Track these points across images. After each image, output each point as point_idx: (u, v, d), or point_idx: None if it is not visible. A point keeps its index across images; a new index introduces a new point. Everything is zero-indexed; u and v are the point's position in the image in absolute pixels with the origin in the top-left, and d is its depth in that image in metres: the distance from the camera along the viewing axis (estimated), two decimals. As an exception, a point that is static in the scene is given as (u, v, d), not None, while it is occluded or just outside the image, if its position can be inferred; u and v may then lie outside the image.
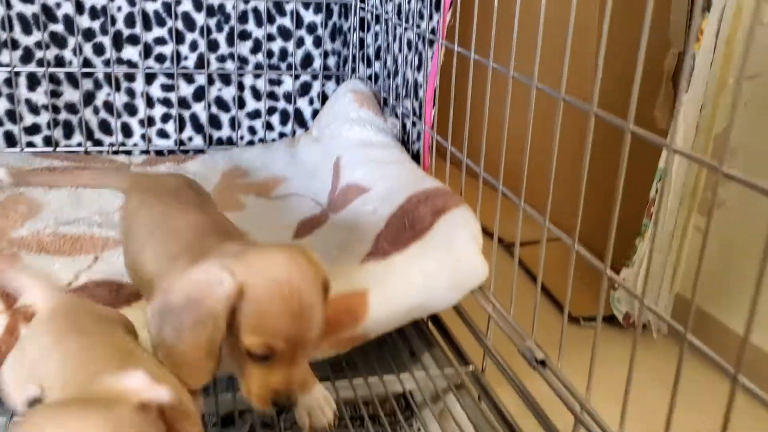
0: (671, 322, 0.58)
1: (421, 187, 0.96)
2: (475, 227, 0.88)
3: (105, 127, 1.34)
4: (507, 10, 0.82)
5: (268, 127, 1.43)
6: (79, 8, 1.26)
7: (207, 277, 0.63)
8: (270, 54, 1.38)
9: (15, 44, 1.25)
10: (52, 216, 1.04)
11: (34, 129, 1.30)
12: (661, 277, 1.28)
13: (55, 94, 1.29)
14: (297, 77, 1.41)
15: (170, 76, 1.34)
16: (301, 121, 1.44)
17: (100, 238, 0.99)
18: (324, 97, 1.43)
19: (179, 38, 1.32)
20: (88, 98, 1.31)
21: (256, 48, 1.37)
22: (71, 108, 1.31)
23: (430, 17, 1.05)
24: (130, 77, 1.32)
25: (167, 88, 1.34)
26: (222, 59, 1.36)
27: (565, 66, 0.71)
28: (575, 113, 0.72)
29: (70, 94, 1.30)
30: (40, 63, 1.27)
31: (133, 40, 1.30)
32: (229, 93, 1.38)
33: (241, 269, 0.62)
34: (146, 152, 1.35)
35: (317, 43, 1.40)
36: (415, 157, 1.13)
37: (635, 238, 1.26)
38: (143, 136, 1.36)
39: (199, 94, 1.37)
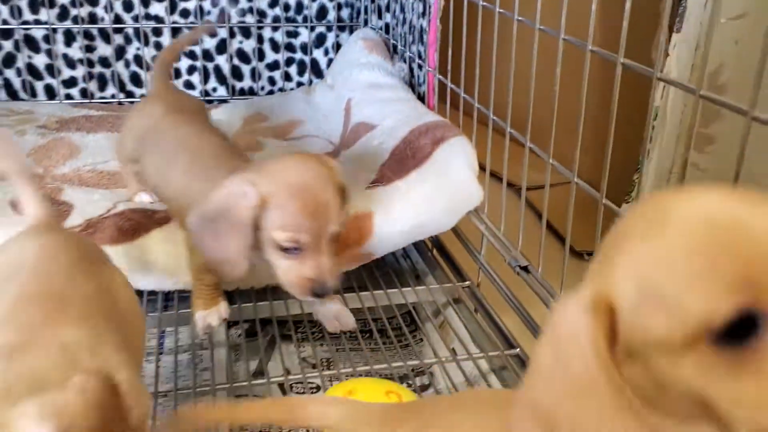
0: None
1: (422, 121, 1.05)
2: (471, 155, 0.97)
3: (135, 79, 1.44)
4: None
5: (287, 77, 1.52)
6: (109, -33, 1.36)
7: (233, 191, 0.74)
8: (287, 7, 1.47)
9: (52, 3, 1.36)
10: (90, 156, 1.15)
11: (71, 82, 1.41)
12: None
13: (89, 49, 1.40)
14: (312, 29, 1.50)
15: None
16: (317, 71, 1.53)
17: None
18: (338, 48, 1.51)
19: (202, -7, 1.42)
20: (120, 52, 1.42)
21: (274, 2, 1.46)
22: (104, 62, 1.42)
23: (432, -35, 1.13)
24: (157, 32, 1.42)
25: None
26: (242, 13, 1.45)
27: (564, 7, 0.77)
28: (575, 56, 0.78)
29: (103, 49, 1.41)
30: (75, 20, 1.37)
31: (159, -4, 1.40)
32: (249, 45, 1.47)
33: (262, 180, 0.73)
34: (174, 102, 1.45)
35: (332, -5, 1.49)
36: (420, 99, 1.21)
37: (633, 176, 1.33)
38: (171, 87, 1.46)
39: (222, 47, 1.46)
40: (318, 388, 0.87)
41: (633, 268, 0.26)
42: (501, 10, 0.92)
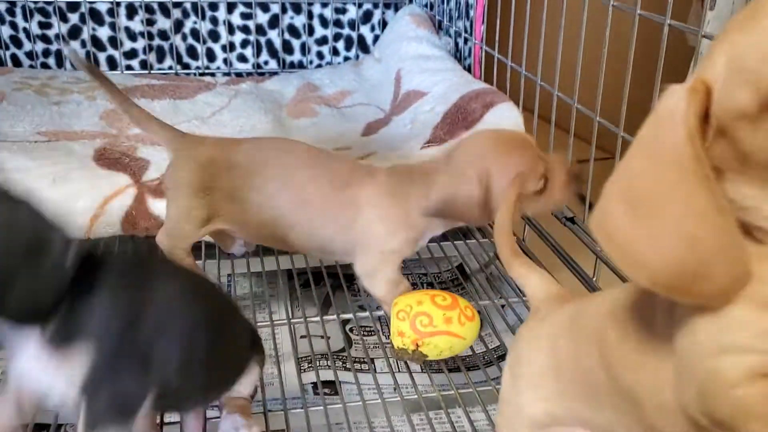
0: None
1: (471, 88, 1.12)
2: (518, 118, 1.04)
3: (192, 52, 1.52)
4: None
5: (335, 52, 1.59)
6: (170, -56, 1.44)
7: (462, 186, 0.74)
8: (336, -14, 1.54)
9: (116, -22, 1.44)
10: (157, 120, 1.22)
11: (131, 54, 1.50)
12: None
13: (149, 22, 1.48)
14: (360, 6, 1.57)
15: (248, 5, 1.51)
16: (363, 46, 1.60)
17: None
18: (384, 24, 1.58)
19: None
20: (178, 26, 1.50)
21: (323, -20, 1.53)
22: (163, 35, 1.50)
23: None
24: (213, 6, 1.50)
25: (246, 16, 1.52)
26: (293, -10, 1.53)
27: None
28: (619, 25, 0.84)
29: (162, 23, 1.49)
30: (137, -6, 1.46)
31: (217, -28, 1.48)
32: (300, 21, 1.54)
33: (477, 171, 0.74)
34: (227, 74, 1.54)
35: (378, -26, 1.56)
36: (468, 71, 1.28)
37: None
38: (225, 60, 1.54)
39: (274, 22, 1.54)
40: (373, 331, 0.95)
41: (728, 52, 0.32)
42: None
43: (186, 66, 1.53)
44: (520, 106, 1.07)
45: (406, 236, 0.79)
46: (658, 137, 0.34)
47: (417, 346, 0.74)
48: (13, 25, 1.45)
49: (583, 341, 0.47)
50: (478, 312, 0.79)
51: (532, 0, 1.03)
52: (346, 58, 1.60)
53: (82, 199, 0.96)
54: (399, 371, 0.87)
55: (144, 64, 1.51)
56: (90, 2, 1.45)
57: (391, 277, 0.81)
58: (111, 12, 1.46)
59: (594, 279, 0.87)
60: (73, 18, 1.45)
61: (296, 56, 1.57)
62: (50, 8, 1.44)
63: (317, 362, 0.88)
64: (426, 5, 1.51)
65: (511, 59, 1.10)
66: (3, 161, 0.99)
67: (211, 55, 1.53)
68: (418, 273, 1.05)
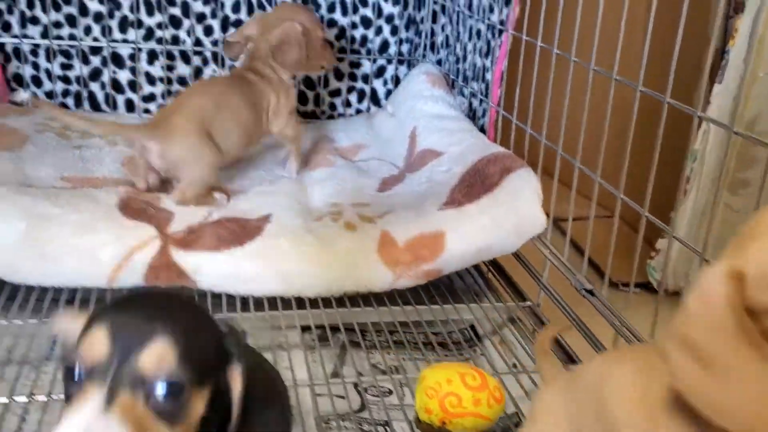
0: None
1: (489, 151, 1.15)
2: (537, 185, 1.06)
3: (209, 98, 1.55)
4: (570, 4, 1.00)
5: (347, 104, 1.62)
6: (195, -5, 1.48)
7: None
8: (352, 40, 1.58)
9: (140, 24, 1.47)
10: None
11: (150, 98, 1.52)
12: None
13: (169, 68, 1.51)
14: (374, 61, 1.60)
15: (267, 56, 1.54)
16: (375, 99, 1.63)
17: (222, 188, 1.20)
18: (396, 80, 1.62)
19: (277, 23, 1.52)
20: (197, 73, 1.52)
21: (341, 34, 1.57)
22: (182, 80, 1.52)
23: (500, 11, 1.23)
24: (233, 56, 1.53)
25: (264, 66, 1.55)
26: (311, 43, 1.56)
27: (617, 53, 0.88)
28: (623, 95, 0.89)
29: (182, 69, 1.51)
30: (159, 41, 1.48)
31: (238, 23, 1.51)
32: (314, 73, 1.58)
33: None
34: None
35: (394, 31, 1.60)
36: (481, 131, 1.31)
37: (671, 213, 1.42)
38: (241, 108, 1.56)
39: (290, 73, 1.57)
40: (390, 391, 0.96)
41: (758, 254, 0.39)
42: (558, 51, 1.03)
43: (202, 112, 1.55)
44: (538, 172, 1.09)
45: None
46: (708, 314, 0.41)
47: (443, 423, 0.76)
48: (35, 66, 1.47)
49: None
50: (499, 382, 0.81)
51: (540, 68, 1.06)
52: (358, 111, 1.63)
53: (107, 249, 0.98)
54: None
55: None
56: (112, 47, 1.47)
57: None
58: (132, 57, 1.48)
59: (611, 351, 0.89)
60: (95, 61, 1.48)
61: (309, 106, 1.60)
62: (73, 51, 1.46)
63: (338, 422, 0.89)
64: (437, 62, 1.55)
65: (527, 124, 1.14)
66: (30, 206, 1.00)
67: (227, 102, 1.56)
68: (432, 331, 1.07)
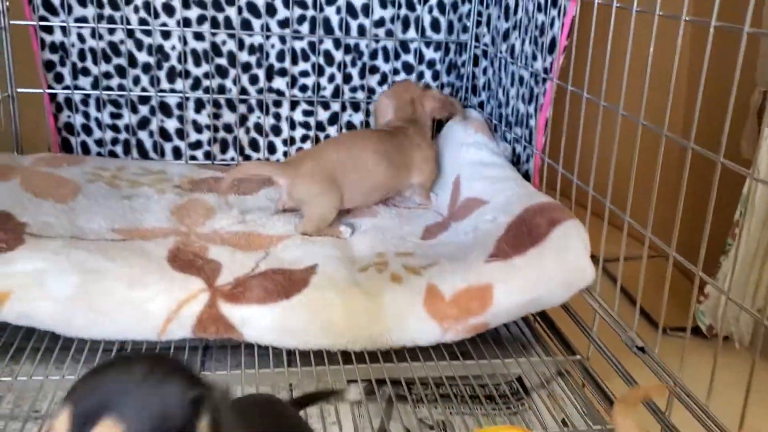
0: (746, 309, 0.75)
1: (536, 201, 1.14)
2: (585, 237, 1.05)
3: (254, 144, 1.57)
4: (617, 51, 1.00)
5: (390, 148, 1.63)
6: (241, 46, 1.50)
7: None
8: (395, 85, 1.59)
9: (187, 74, 1.50)
10: (224, 218, 1.26)
11: (196, 145, 1.55)
12: (743, 294, 1.41)
13: (216, 116, 1.54)
14: (417, 106, 1.61)
15: (311, 103, 1.56)
16: (418, 143, 1.64)
17: (266, 236, 1.21)
18: (439, 124, 1.62)
19: (320, 72, 1.55)
20: (242, 120, 1.55)
21: (383, 80, 1.58)
22: (228, 128, 1.55)
23: (544, 59, 1.23)
24: (277, 103, 1.55)
25: (307, 113, 1.57)
26: (354, 90, 1.58)
27: (668, 108, 0.88)
28: (670, 143, 0.89)
29: (228, 117, 1.54)
30: (206, 90, 1.51)
31: (282, 72, 1.53)
32: (358, 118, 1.59)
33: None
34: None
35: (435, 76, 1.61)
36: (524, 177, 1.31)
37: (720, 257, 1.40)
38: (285, 153, 1.58)
39: (333, 119, 1.59)
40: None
41: None
42: (605, 104, 1.03)
43: (247, 157, 1.58)
44: (586, 223, 1.08)
45: None
46: None
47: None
48: (86, 115, 1.50)
49: None
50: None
51: (575, 115, 1.06)
52: (402, 155, 1.64)
53: (156, 303, 0.99)
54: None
55: (207, 155, 1.56)
56: (161, 96, 1.50)
57: None
58: (180, 105, 1.51)
59: (666, 413, 0.87)
60: (144, 110, 1.51)
61: (353, 151, 1.62)
62: (122, 100, 1.50)
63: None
64: (479, 105, 1.55)
65: (573, 172, 1.13)
66: (83, 261, 1.02)
67: (272, 148, 1.58)
68: (479, 384, 1.06)
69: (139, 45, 1.47)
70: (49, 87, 1.47)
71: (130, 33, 1.46)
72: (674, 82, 0.87)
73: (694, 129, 0.83)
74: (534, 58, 1.27)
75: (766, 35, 0.72)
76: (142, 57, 1.48)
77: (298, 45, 1.52)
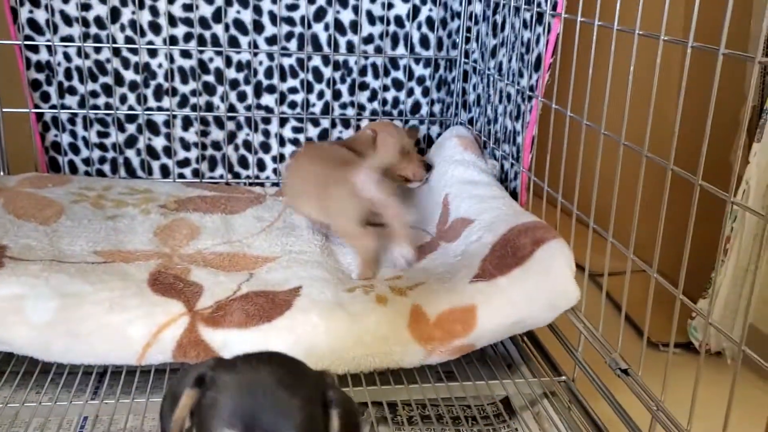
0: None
1: (521, 221, 1.13)
2: (570, 257, 1.04)
3: (243, 162, 1.56)
4: (600, 69, 0.99)
5: (380, 164, 1.62)
6: (228, 63, 1.50)
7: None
8: (384, 102, 1.59)
9: (174, 92, 1.50)
10: (209, 238, 1.25)
11: (184, 162, 1.54)
12: (736, 308, 1.40)
13: (204, 133, 1.53)
14: (406, 122, 1.61)
15: (300, 120, 1.56)
16: (408, 160, 1.63)
17: (251, 257, 1.20)
18: (429, 140, 1.62)
19: (309, 88, 1.54)
20: (231, 137, 1.54)
21: (373, 97, 1.58)
22: (216, 145, 1.54)
23: (530, 76, 1.23)
24: (266, 120, 1.55)
25: (297, 130, 1.56)
26: (344, 106, 1.57)
27: (648, 127, 0.87)
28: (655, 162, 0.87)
29: (216, 134, 1.53)
30: (194, 108, 1.51)
31: (271, 89, 1.53)
32: (348, 134, 1.58)
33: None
34: (276, 184, 1.57)
35: (425, 92, 1.60)
36: (512, 195, 1.30)
37: (711, 272, 1.38)
38: (275, 170, 1.58)
39: (323, 135, 1.58)
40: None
41: None
42: (588, 123, 1.02)
43: (237, 175, 1.57)
44: (571, 243, 1.07)
45: None
46: None
47: None
48: (73, 134, 1.50)
49: None
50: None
51: (575, 133, 1.05)
52: (392, 172, 1.63)
53: (136, 327, 0.98)
54: None
55: (196, 173, 1.55)
56: (148, 114, 1.50)
57: None
58: (167, 123, 1.51)
59: (649, 438, 0.86)
60: (131, 128, 1.51)
61: (343, 168, 1.61)
62: (109, 119, 1.49)
63: None
64: (469, 121, 1.55)
65: (558, 189, 1.12)
66: (63, 285, 1.01)
67: (261, 165, 1.57)
68: (461, 405, 1.04)
69: (126, 63, 1.47)
70: (36, 106, 1.47)
71: (117, 51, 1.46)
72: (660, 100, 0.86)
73: (673, 151, 0.82)
74: (521, 75, 1.27)
75: (741, 57, 0.71)
76: (129, 75, 1.47)
77: (287, 62, 1.52)
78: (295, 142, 1.57)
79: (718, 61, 0.72)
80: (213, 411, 0.56)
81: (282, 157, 1.57)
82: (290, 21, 1.50)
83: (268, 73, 1.52)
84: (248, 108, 1.53)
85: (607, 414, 0.96)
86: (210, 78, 1.50)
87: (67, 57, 1.45)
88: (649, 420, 0.86)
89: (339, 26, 1.52)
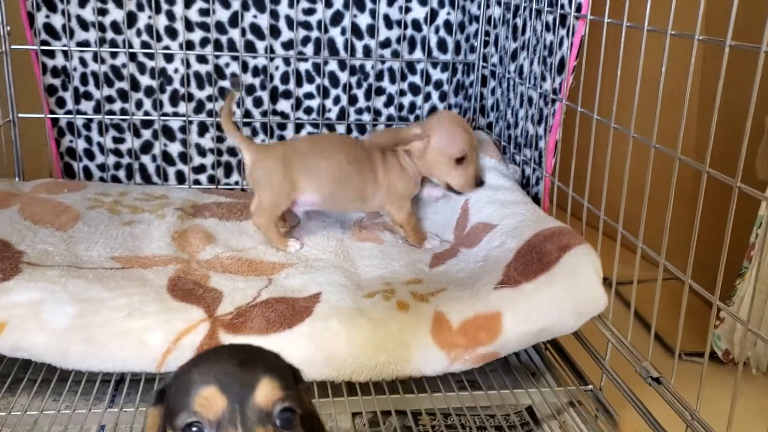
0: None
1: (545, 226, 1.10)
2: (597, 263, 1.02)
3: (258, 168, 1.55)
4: (628, 71, 0.97)
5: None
6: (245, 68, 1.48)
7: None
8: (401, 107, 1.57)
9: (190, 97, 1.48)
10: (225, 243, 1.23)
11: (200, 168, 1.53)
12: (761, 317, 1.37)
13: (219, 139, 1.51)
14: (423, 127, 1.59)
15: (316, 125, 1.54)
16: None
17: (268, 263, 1.18)
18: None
19: (325, 93, 1.53)
20: (246, 143, 1.53)
21: (389, 102, 1.56)
22: (231, 151, 1.53)
23: (553, 79, 1.21)
24: (282, 126, 1.53)
25: (312, 135, 1.55)
26: (359, 111, 1.56)
27: (681, 130, 0.85)
28: (684, 166, 0.85)
29: (232, 140, 1.52)
30: (210, 113, 1.49)
31: (287, 94, 1.51)
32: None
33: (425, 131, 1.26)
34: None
35: (443, 97, 1.58)
36: (534, 200, 1.28)
37: (736, 280, 1.36)
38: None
39: (339, 142, 1.56)
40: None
41: None
42: (616, 126, 1.00)
43: (251, 181, 1.55)
44: (598, 248, 1.05)
45: None
46: None
47: None
48: (88, 139, 1.49)
49: None
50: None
51: (601, 136, 1.03)
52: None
53: (156, 333, 0.96)
54: None
55: (211, 179, 1.53)
56: (164, 120, 1.49)
57: None
58: (183, 129, 1.50)
59: (684, 448, 0.83)
60: (146, 134, 1.49)
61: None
62: (125, 124, 1.48)
63: None
64: (487, 126, 1.53)
65: (584, 195, 1.10)
66: (81, 290, 0.99)
67: (276, 171, 1.55)
68: (486, 414, 1.02)
69: (142, 68, 1.46)
70: (51, 112, 1.46)
71: (133, 56, 1.45)
72: (687, 102, 0.84)
73: (709, 152, 0.80)
74: (543, 78, 1.25)
75: (748, 48, 0.69)
76: (145, 80, 1.46)
77: (303, 66, 1.51)
78: (311, 147, 1.55)
79: (759, 60, 0.70)
80: (183, 386, 0.54)
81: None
82: (307, 25, 1.48)
83: (284, 79, 1.51)
84: (264, 114, 1.52)
85: (634, 424, 0.94)
86: (226, 83, 1.49)
87: (83, 62, 1.44)
88: (683, 430, 0.84)
89: (356, 30, 1.50)
